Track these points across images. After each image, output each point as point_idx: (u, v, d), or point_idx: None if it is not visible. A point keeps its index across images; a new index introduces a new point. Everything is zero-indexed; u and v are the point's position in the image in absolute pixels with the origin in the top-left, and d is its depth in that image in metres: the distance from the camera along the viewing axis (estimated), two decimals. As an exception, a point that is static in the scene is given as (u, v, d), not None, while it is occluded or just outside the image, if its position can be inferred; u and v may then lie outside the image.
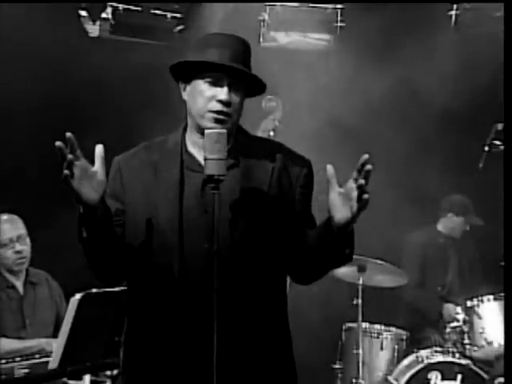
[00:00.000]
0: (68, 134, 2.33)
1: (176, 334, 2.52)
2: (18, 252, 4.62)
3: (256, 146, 2.69)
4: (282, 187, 2.63)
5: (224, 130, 2.50)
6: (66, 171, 2.32)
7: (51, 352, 4.03)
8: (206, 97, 2.56)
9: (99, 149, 2.43)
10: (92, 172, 2.40)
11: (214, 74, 2.55)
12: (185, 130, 2.70)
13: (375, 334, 5.43)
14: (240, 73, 2.56)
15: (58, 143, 2.32)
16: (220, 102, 2.54)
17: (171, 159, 2.63)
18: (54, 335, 4.61)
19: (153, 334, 2.56)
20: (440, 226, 6.07)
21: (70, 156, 2.32)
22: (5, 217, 4.72)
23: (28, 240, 4.69)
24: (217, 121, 2.55)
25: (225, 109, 2.55)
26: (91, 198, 2.40)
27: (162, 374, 2.54)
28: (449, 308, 5.64)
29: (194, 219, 2.55)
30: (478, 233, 6.07)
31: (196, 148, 2.64)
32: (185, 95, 2.65)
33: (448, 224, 6.02)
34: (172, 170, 2.61)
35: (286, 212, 2.61)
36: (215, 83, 2.55)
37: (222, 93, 2.54)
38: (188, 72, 2.61)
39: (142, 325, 2.59)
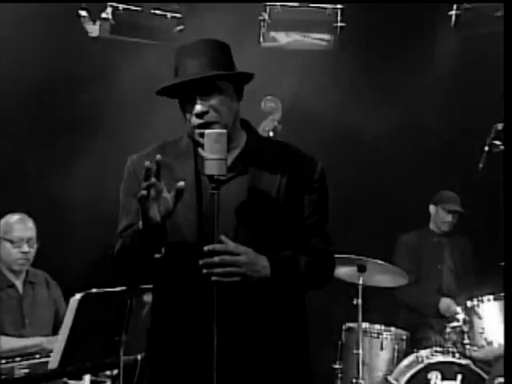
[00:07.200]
0: (158, 157, 2.38)
1: (185, 337, 2.56)
2: (23, 253, 4.65)
3: (266, 149, 2.68)
4: (290, 193, 2.62)
5: (224, 130, 2.50)
6: (144, 192, 2.38)
7: (51, 351, 4.04)
8: (187, 115, 2.59)
9: (180, 184, 2.44)
10: (164, 198, 2.44)
11: (184, 91, 2.55)
12: None
13: (375, 334, 5.42)
14: (212, 77, 2.54)
15: (147, 164, 2.37)
16: (197, 115, 2.55)
17: (185, 160, 2.65)
18: (53, 335, 4.63)
19: (168, 331, 2.61)
20: (432, 225, 6.07)
21: (153, 179, 2.38)
22: (18, 216, 4.74)
23: (36, 243, 4.71)
24: (203, 134, 2.53)
25: (202, 120, 2.55)
26: (155, 219, 2.44)
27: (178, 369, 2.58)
28: (446, 302, 5.65)
29: (207, 222, 2.54)
30: (478, 232, 6.08)
31: None
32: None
33: (436, 219, 6.02)
34: (187, 170, 2.62)
35: (295, 219, 2.61)
36: (189, 99, 2.56)
37: (196, 106, 2.55)
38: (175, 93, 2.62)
39: (161, 321, 2.65)
